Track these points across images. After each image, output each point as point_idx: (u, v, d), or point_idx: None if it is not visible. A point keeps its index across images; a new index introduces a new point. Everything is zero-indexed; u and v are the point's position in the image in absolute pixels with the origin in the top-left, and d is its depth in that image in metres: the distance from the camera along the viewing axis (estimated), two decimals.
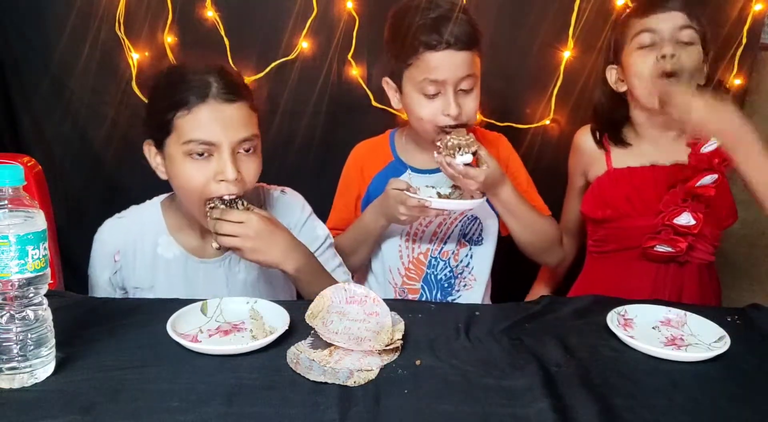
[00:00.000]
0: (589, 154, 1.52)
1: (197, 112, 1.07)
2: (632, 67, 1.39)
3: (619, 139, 1.47)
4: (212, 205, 1.10)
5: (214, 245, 1.11)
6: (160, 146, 1.13)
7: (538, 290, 1.67)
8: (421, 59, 1.25)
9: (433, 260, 1.46)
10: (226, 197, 1.10)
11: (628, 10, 1.46)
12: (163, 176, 1.16)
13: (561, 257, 1.48)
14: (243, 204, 1.12)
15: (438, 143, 1.28)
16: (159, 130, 1.12)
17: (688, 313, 1.07)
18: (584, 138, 1.54)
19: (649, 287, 1.42)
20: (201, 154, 1.09)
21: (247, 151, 1.12)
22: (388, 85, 1.38)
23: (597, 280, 1.49)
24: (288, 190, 1.35)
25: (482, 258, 1.48)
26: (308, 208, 1.34)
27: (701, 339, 1.02)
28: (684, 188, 1.36)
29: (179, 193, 1.16)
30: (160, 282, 1.23)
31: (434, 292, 1.47)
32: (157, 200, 1.27)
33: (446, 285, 1.47)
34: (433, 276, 1.46)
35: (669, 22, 1.35)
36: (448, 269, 1.46)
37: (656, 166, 1.42)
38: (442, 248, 1.45)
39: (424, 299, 1.46)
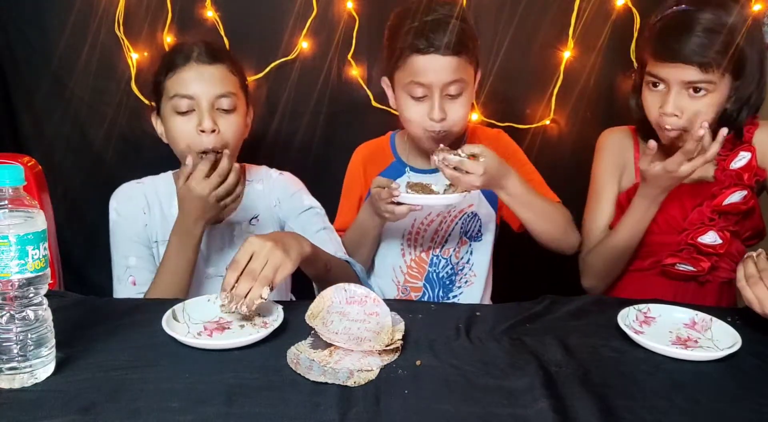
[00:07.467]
0: (620, 155, 1.44)
1: (181, 73, 1.24)
2: (643, 97, 1.30)
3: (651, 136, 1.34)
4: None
5: (244, 309, 0.99)
6: (159, 112, 1.29)
7: None
8: (408, 62, 1.28)
9: (435, 258, 1.47)
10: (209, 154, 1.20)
11: (654, 21, 1.27)
12: (165, 141, 1.30)
13: (576, 242, 1.42)
14: (227, 161, 1.17)
15: (432, 155, 1.26)
16: (156, 96, 1.28)
17: (714, 319, 1.05)
18: (612, 138, 1.46)
19: None
20: (184, 112, 1.23)
21: (226, 109, 1.25)
22: (385, 84, 1.41)
23: (614, 295, 1.43)
24: (287, 173, 1.48)
25: (482, 253, 1.49)
26: (300, 185, 1.45)
27: (717, 344, 1.00)
28: (710, 205, 1.31)
29: (176, 152, 1.28)
30: None
31: (436, 290, 1.48)
32: (170, 172, 1.42)
33: (447, 282, 1.48)
34: (435, 274, 1.47)
35: (679, 75, 1.20)
36: (450, 266, 1.48)
37: (682, 183, 1.33)
38: (443, 246, 1.47)
39: (426, 297, 1.48)
